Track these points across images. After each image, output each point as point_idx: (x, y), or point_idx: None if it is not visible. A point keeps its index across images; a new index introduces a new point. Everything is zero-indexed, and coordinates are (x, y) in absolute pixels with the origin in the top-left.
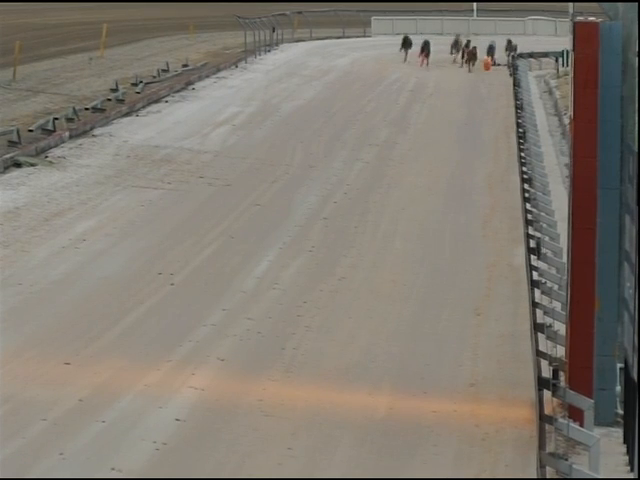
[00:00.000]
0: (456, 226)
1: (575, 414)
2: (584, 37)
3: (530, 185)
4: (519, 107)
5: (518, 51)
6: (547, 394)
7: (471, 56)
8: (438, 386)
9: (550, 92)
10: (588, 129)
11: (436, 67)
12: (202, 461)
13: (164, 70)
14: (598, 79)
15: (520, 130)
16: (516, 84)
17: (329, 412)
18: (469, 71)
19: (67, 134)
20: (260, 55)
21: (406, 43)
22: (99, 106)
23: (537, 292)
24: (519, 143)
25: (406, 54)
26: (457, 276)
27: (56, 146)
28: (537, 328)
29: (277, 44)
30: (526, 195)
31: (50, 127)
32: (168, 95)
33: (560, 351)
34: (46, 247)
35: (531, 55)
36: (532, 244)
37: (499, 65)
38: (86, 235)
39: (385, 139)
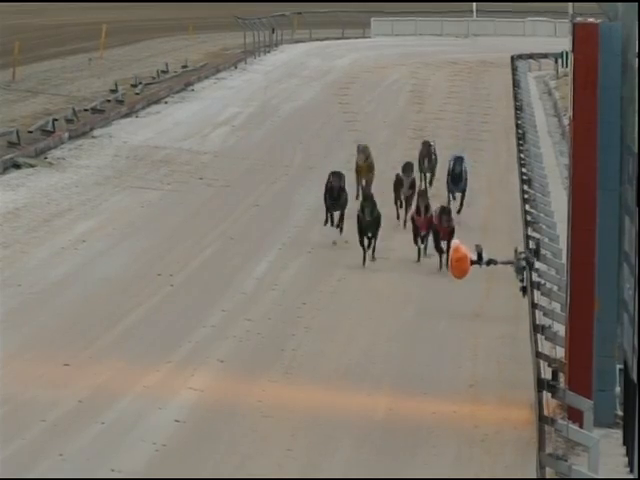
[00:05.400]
0: (456, 227)
1: (575, 415)
2: (584, 38)
3: (529, 186)
4: (518, 108)
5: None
6: (547, 395)
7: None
8: (437, 387)
9: (550, 93)
10: (588, 130)
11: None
12: (202, 462)
13: (163, 71)
14: (598, 80)
15: (519, 131)
16: (516, 84)
17: (329, 413)
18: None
19: (66, 135)
20: (259, 56)
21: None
22: (98, 107)
23: (536, 293)
24: (518, 144)
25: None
26: None
27: (55, 147)
28: (537, 329)
29: (276, 45)
30: (525, 196)
31: (49, 128)
32: (167, 96)
33: (560, 352)
34: (45, 248)
35: (531, 56)
36: (532, 245)
37: (492, 263)
38: (85, 236)
39: (385, 140)
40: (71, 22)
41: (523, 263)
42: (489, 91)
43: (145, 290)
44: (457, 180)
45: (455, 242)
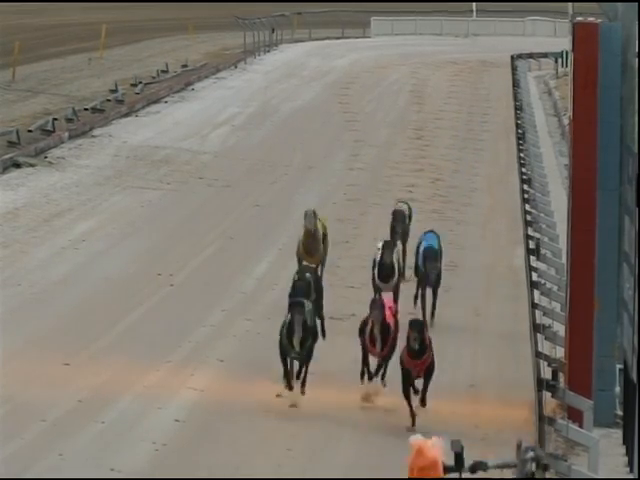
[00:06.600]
0: (455, 227)
1: (574, 415)
2: (583, 38)
3: (529, 186)
4: (518, 108)
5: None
6: (546, 395)
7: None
8: (438, 387)
9: (549, 93)
10: (587, 130)
11: None
12: (201, 462)
13: (163, 71)
14: (597, 80)
15: (519, 131)
16: (516, 84)
17: (329, 413)
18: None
19: (66, 135)
20: (259, 56)
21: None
22: (98, 107)
23: (536, 293)
24: (518, 144)
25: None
26: (456, 277)
27: (55, 147)
28: (536, 329)
29: (276, 45)
30: (525, 196)
31: (49, 128)
32: (167, 96)
33: (559, 352)
34: (45, 248)
35: (531, 56)
36: (531, 245)
37: (479, 469)
38: (85, 236)
39: (385, 140)
40: (71, 22)
41: (531, 467)
42: (489, 91)
43: (145, 290)
44: (431, 260)
45: (415, 440)
